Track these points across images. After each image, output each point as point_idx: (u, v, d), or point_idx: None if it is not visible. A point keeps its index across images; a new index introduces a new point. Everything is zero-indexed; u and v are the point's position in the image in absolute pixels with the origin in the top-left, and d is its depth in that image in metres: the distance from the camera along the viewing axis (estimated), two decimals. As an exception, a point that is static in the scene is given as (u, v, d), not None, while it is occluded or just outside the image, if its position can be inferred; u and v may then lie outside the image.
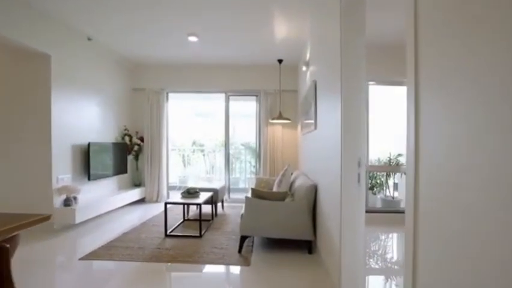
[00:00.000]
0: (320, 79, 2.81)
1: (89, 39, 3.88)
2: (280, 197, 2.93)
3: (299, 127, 4.78)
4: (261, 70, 5.28)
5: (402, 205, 4.49)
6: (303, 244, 2.90)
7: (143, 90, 5.30)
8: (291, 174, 4.09)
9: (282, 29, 3.67)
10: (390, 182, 4.79)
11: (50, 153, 3.35)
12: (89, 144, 3.88)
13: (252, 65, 5.25)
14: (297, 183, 3.37)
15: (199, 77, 5.32)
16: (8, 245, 1.29)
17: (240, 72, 5.31)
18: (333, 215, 2.15)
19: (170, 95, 5.51)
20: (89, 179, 3.89)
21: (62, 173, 3.54)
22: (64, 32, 3.54)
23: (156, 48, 4.44)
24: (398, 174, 4.74)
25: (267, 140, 5.27)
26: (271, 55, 4.70)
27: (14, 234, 1.26)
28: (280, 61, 4.89)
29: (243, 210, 2.97)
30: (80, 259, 2.58)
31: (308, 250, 2.84)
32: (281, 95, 5.16)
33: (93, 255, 2.65)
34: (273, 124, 5.23)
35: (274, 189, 3.41)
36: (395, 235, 3.73)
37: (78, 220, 3.43)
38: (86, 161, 3.90)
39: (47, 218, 1.35)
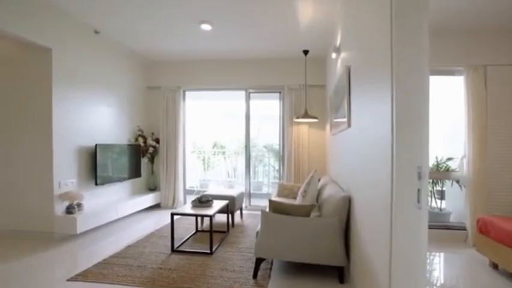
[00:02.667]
0: (356, 64, 2.23)
1: (96, 32, 3.61)
2: (305, 211, 2.38)
3: (328, 126, 4.18)
4: (284, 63, 4.75)
5: (452, 219, 3.72)
6: (333, 270, 2.34)
7: (158, 89, 5.02)
8: (318, 180, 3.51)
9: (307, 12, 3.13)
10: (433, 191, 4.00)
11: (51, 156, 3.10)
12: (96, 146, 3.61)
13: (274, 57, 4.74)
14: (326, 193, 2.79)
15: (216, 73, 4.92)
16: None
17: (261, 66, 4.82)
18: (378, 243, 1.57)
19: (189, 94, 5.18)
20: (96, 183, 3.62)
21: (66, 177, 3.29)
22: (66, 24, 3.27)
23: (169, 41, 4.10)
24: (441, 182, 3.93)
25: (291, 141, 4.72)
26: (296, 45, 4.15)
27: None
28: (305, 52, 4.33)
29: (259, 226, 2.47)
30: (68, 280, 2.24)
31: (339, 278, 2.27)
32: (307, 91, 4.58)
33: (83, 276, 2.29)
34: (298, 123, 4.67)
35: (298, 200, 2.86)
36: (441, 255, 2.99)
37: (80, 230, 3.14)
38: (93, 164, 3.64)
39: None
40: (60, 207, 3.18)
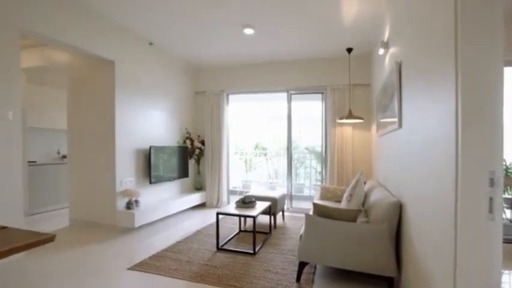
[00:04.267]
0: (408, 59, 2.08)
1: (150, 43, 3.93)
2: (351, 216, 2.28)
3: (374, 127, 3.96)
4: (327, 63, 4.63)
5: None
6: (381, 280, 2.19)
7: (203, 93, 5.27)
8: (364, 183, 3.34)
9: (351, 6, 3.01)
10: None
11: (114, 157, 3.46)
12: (150, 148, 3.92)
13: (316, 57, 4.64)
14: (373, 198, 2.65)
15: (258, 75, 4.99)
16: None
17: (303, 67, 4.76)
18: (439, 257, 1.44)
19: (232, 97, 5.34)
20: (150, 182, 3.93)
21: (126, 176, 3.63)
22: (127, 38, 3.64)
23: (213, 47, 4.28)
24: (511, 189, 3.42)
25: (334, 143, 4.57)
26: (339, 43, 4.02)
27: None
28: (349, 50, 4.16)
29: (302, 230, 2.44)
30: (128, 269, 2.47)
31: (390, 290, 2.12)
32: (351, 91, 4.40)
33: (141, 266, 2.51)
34: (341, 125, 4.51)
35: (343, 204, 2.76)
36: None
37: (137, 224, 3.45)
38: (147, 164, 3.95)
39: (50, 239, 1.12)
40: (121, 203, 3.53)
